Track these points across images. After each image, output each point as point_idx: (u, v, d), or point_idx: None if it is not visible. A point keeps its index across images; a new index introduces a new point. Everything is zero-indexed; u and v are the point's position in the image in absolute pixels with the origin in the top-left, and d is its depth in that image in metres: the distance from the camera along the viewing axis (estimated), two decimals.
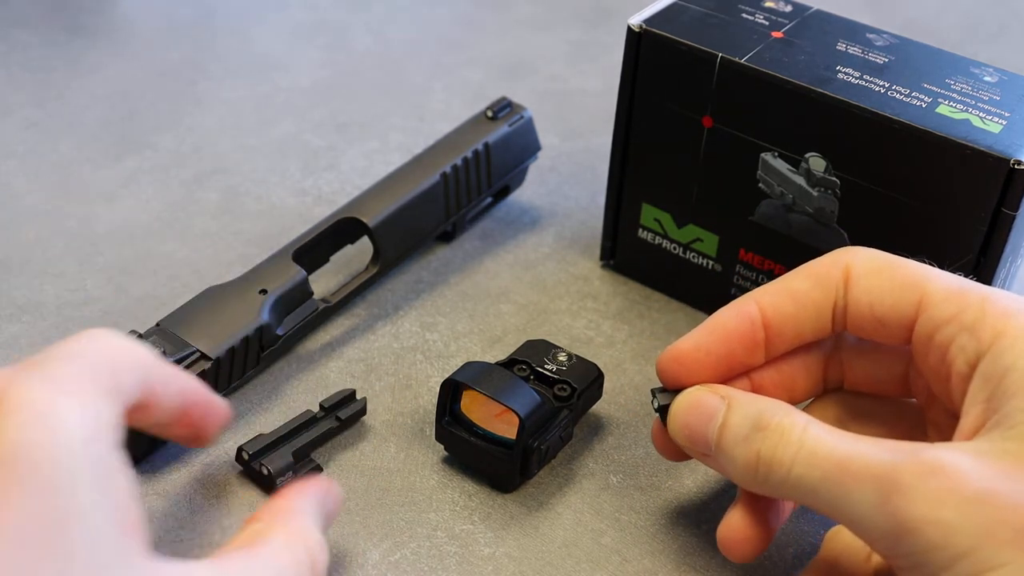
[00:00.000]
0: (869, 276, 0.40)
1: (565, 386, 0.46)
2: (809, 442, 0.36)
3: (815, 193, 0.48)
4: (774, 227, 0.50)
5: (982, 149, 0.44)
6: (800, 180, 0.48)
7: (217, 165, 0.62)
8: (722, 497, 0.46)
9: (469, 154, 0.55)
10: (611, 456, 0.48)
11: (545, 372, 0.47)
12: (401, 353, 0.52)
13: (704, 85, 0.49)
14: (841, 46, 0.49)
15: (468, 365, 0.46)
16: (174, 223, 0.58)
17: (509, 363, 0.47)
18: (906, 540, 0.33)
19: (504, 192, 0.60)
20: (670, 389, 0.42)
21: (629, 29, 0.50)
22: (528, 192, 0.61)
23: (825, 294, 0.40)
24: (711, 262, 0.53)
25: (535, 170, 0.61)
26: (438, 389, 0.45)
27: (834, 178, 0.47)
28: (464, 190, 0.56)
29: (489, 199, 0.59)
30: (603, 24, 0.76)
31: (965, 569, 0.32)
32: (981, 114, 0.45)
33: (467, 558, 0.44)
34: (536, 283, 0.56)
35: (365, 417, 0.48)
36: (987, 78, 0.48)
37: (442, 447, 0.47)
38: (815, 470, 0.36)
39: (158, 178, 0.61)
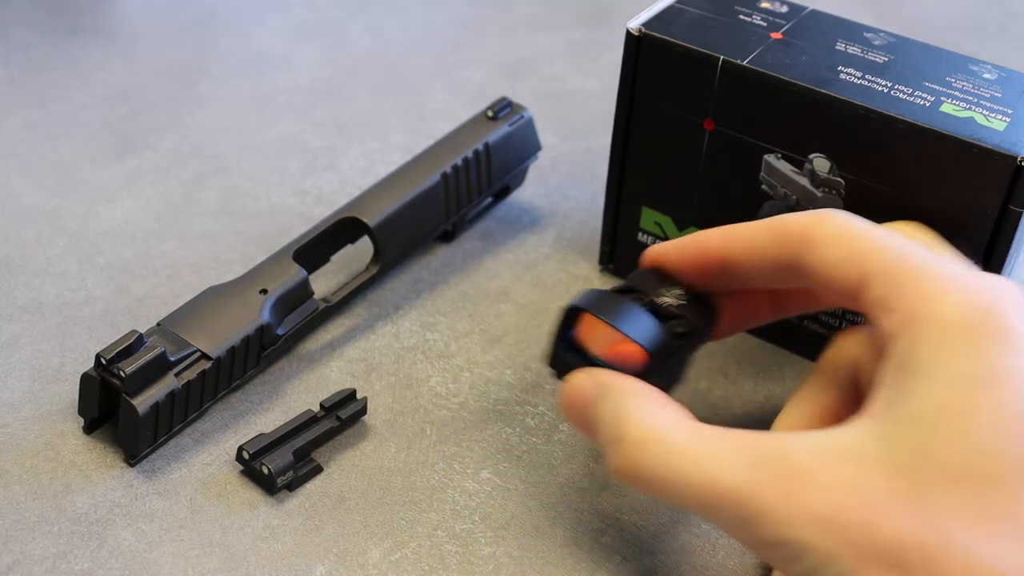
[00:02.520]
0: (825, 243, 0.39)
1: (683, 323, 0.43)
2: (672, 461, 0.37)
3: (819, 194, 0.48)
4: None
5: (988, 147, 0.43)
6: (804, 181, 0.48)
7: (217, 165, 0.62)
8: None
9: (469, 154, 0.55)
10: None
11: (662, 305, 0.43)
12: (401, 353, 0.52)
13: (706, 88, 0.48)
14: (840, 46, 0.49)
15: (590, 292, 0.43)
16: (174, 223, 0.58)
17: (624, 291, 0.44)
18: (769, 553, 0.35)
19: (504, 192, 0.60)
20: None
21: (628, 33, 0.50)
22: (528, 192, 0.61)
23: (779, 252, 0.40)
24: None
25: (535, 170, 0.61)
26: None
27: (839, 178, 0.47)
28: (464, 190, 0.56)
29: (489, 199, 0.59)
30: (603, 24, 0.76)
31: None
32: (985, 112, 0.45)
33: (467, 558, 0.44)
34: (536, 283, 0.56)
35: (365, 417, 0.48)
36: (986, 75, 0.48)
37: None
38: (679, 490, 0.36)
39: (158, 178, 0.61)
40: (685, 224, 0.53)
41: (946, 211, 0.45)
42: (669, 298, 0.43)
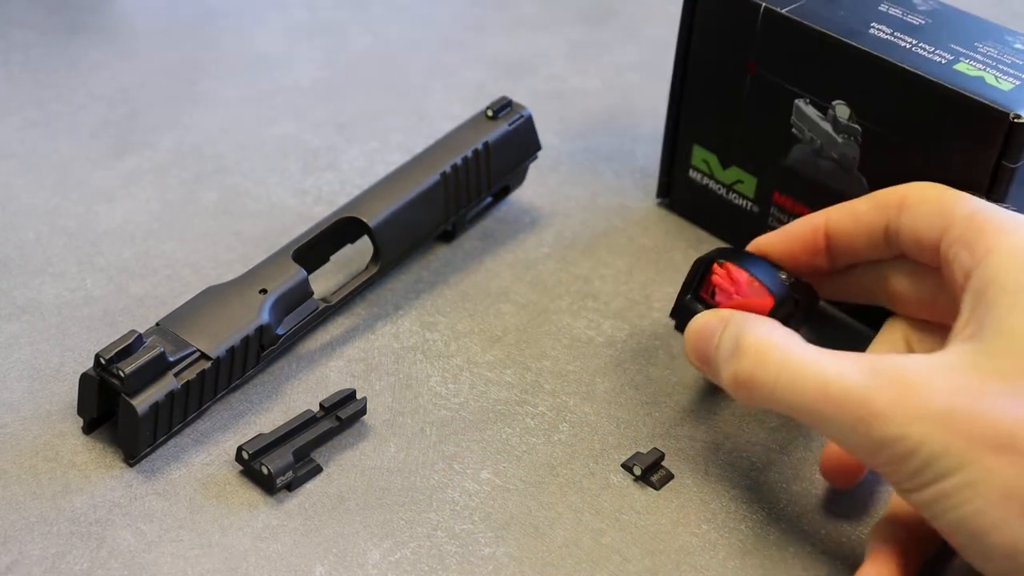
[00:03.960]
0: (918, 204, 0.44)
1: (800, 293, 0.48)
2: (791, 365, 0.40)
3: (840, 139, 0.51)
4: (804, 171, 0.53)
5: (986, 103, 0.46)
6: (827, 126, 0.51)
7: (217, 165, 0.62)
8: (723, 497, 0.46)
9: (469, 154, 0.55)
10: (611, 456, 0.48)
11: (782, 278, 0.48)
12: (401, 353, 0.52)
13: (749, 32, 0.52)
14: (883, 7, 0.51)
15: (721, 249, 0.48)
16: (174, 223, 0.58)
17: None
18: (880, 454, 0.38)
19: (504, 192, 0.60)
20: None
21: None
22: (528, 192, 0.61)
23: (880, 216, 0.46)
24: (749, 203, 0.56)
25: (535, 170, 0.61)
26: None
27: (856, 125, 0.50)
28: (464, 190, 0.56)
29: (489, 199, 0.59)
30: (603, 24, 0.76)
31: (931, 475, 0.38)
32: (997, 73, 0.47)
33: (467, 558, 0.44)
34: (536, 283, 0.56)
35: (365, 417, 0.48)
36: (1018, 45, 0.50)
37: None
38: (795, 393, 0.40)
39: (158, 178, 0.61)
40: (728, 163, 0.56)
41: (948, 163, 0.48)
42: (783, 274, 0.48)
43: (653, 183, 0.62)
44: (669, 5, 0.77)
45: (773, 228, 0.54)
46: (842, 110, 0.50)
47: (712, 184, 0.57)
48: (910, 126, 0.48)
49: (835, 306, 0.55)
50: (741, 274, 0.47)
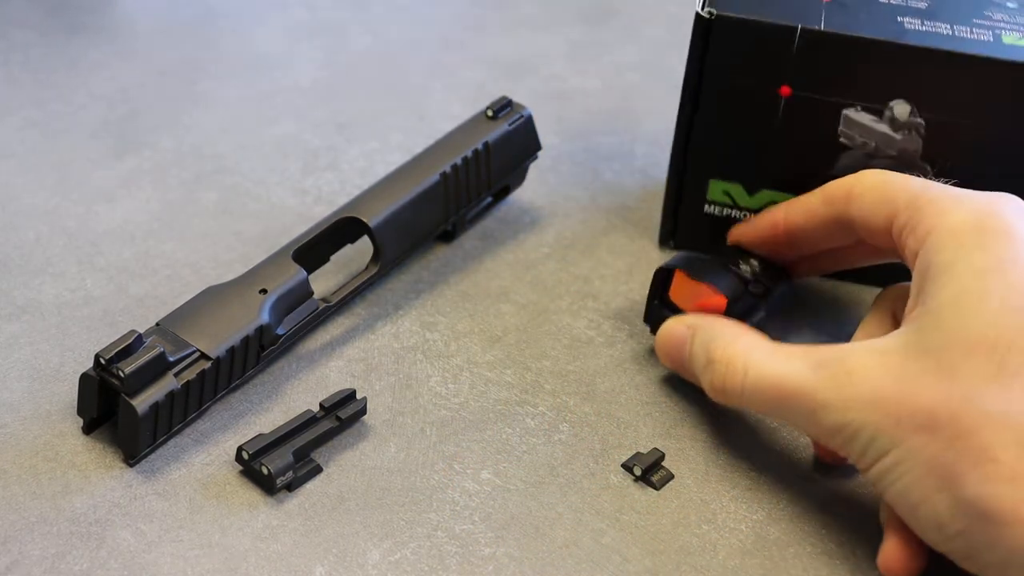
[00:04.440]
0: (864, 194, 0.46)
1: (759, 285, 0.51)
2: (752, 371, 0.44)
3: (898, 137, 0.52)
4: None
5: None
6: (884, 127, 0.52)
7: (217, 165, 0.62)
8: (723, 497, 0.46)
9: (469, 154, 0.55)
10: (611, 456, 0.48)
11: (741, 272, 0.51)
12: (401, 353, 0.52)
13: (783, 56, 0.51)
14: (884, 0, 0.52)
15: (681, 255, 0.52)
16: (174, 223, 0.58)
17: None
18: (833, 439, 0.42)
19: (504, 192, 0.59)
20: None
21: (698, 16, 0.52)
22: (528, 192, 0.61)
23: (830, 210, 0.48)
24: None
25: (535, 170, 0.61)
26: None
27: (919, 119, 0.51)
28: (464, 190, 0.56)
29: (489, 199, 0.59)
30: (603, 24, 0.76)
31: (872, 455, 0.41)
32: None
33: (467, 558, 0.44)
34: (536, 283, 0.56)
35: (365, 417, 0.48)
36: (1010, 4, 0.52)
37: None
38: (759, 394, 0.44)
39: (158, 178, 0.61)
40: (757, 188, 0.56)
41: (1009, 137, 0.50)
42: (746, 266, 0.51)
43: (653, 183, 0.62)
44: (669, 5, 0.77)
45: None
46: (901, 109, 0.51)
47: (736, 213, 0.56)
48: (975, 108, 0.50)
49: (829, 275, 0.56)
50: (693, 287, 0.50)
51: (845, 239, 0.49)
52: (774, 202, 0.55)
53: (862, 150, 0.53)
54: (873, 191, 0.46)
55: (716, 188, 0.56)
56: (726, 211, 0.56)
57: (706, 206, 0.57)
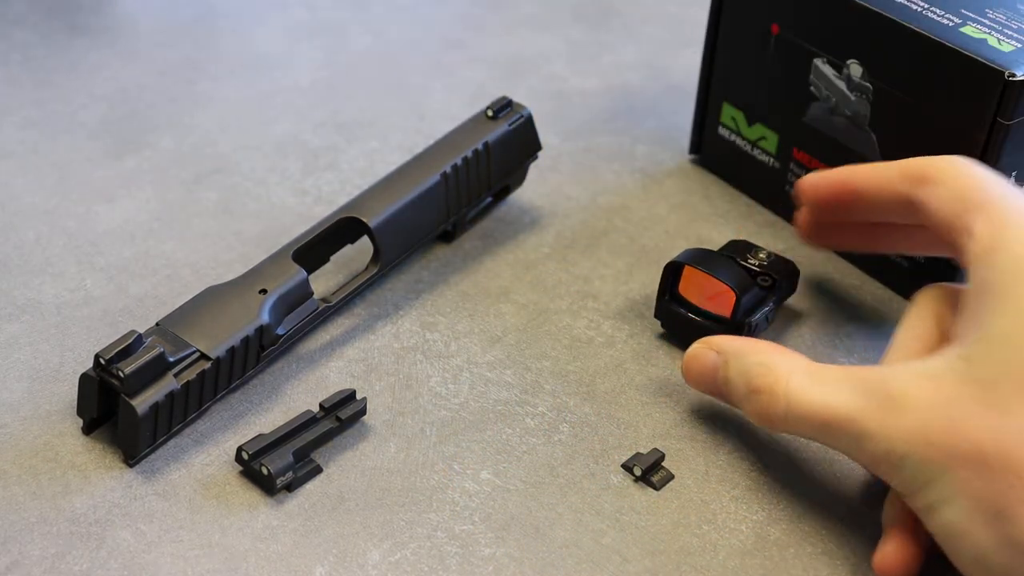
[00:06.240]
0: (940, 182, 0.45)
1: (767, 277, 0.52)
2: (793, 400, 0.43)
3: (853, 97, 0.54)
4: (821, 128, 0.56)
5: (983, 61, 0.49)
6: (842, 85, 0.54)
7: (217, 165, 0.62)
8: (723, 497, 0.46)
9: (469, 154, 0.55)
10: (611, 456, 0.48)
11: (749, 266, 0.52)
12: (401, 353, 0.52)
13: None
14: None
15: (689, 250, 0.52)
16: (174, 223, 0.58)
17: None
18: (878, 467, 0.42)
19: (504, 192, 0.59)
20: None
21: None
22: (528, 192, 0.61)
23: (903, 186, 0.47)
24: (771, 159, 0.60)
25: (535, 170, 0.61)
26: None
27: (868, 84, 0.53)
28: (464, 190, 0.56)
29: (489, 199, 0.59)
30: (603, 24, 0.76)
31: (917, 484, 0.40)
32: (1001, 37, 0.50)
33: (467, 558, 0.44)
34: (536, 283, 0.56)
35: (365, 417, 0.48)
36: (1022, 7, 0.52)
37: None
38: (802, 424, 0.43)
39: (157, 178, 0.61)
40: (753, 120, 0.60)
41: (950, 121, 0.51)
42: (754, 260, 0.52)
43: (653, 183, 0.62)
44: (669, 5, 0.77)
45: (791, 183, 0.59)
46: (855, 69, 0.53)
47: (739, 141, 0.61)
48: (916, 84, 0.51)
49: (855, 263, 0.58)
50: (702, 281, 0.51)
51: (908, 219, 0.47)
52: (763, 138, 0.60)
53: (826, 103, 0.55)
54: (950, 181, 0.45)
55: (727, 112, 0.61)
56: (732, 136, 0.61)
57: (719, 128, 0.62)
